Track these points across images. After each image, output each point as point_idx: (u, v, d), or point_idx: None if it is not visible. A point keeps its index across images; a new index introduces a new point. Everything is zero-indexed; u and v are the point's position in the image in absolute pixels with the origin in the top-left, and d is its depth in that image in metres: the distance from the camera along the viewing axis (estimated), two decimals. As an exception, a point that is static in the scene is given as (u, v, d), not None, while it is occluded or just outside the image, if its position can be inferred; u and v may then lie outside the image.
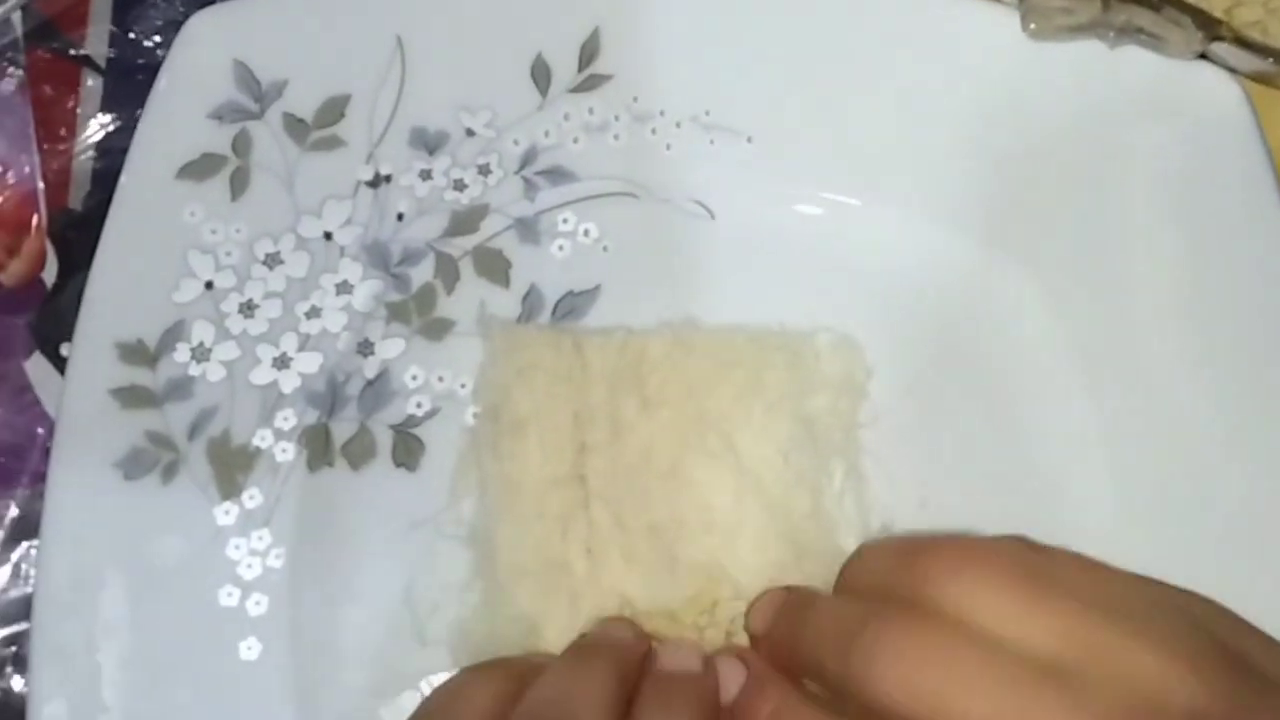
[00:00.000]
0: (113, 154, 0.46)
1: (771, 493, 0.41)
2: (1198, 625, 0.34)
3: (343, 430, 0.43)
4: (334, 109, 0.43)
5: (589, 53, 0.44)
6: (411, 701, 0.41)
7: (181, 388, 0.42)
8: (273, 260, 0.43)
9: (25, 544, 0.45)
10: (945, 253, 0.43)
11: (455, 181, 0.44)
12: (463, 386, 0.43)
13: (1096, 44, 0.43)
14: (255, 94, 0.43)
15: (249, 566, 0.41)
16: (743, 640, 0.40)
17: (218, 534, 0.42)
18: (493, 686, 0.36)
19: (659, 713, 0.36)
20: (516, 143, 0.44)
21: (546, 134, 0.44)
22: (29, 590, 0.44)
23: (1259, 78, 0.43)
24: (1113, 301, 0.43)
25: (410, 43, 0.43)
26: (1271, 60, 0.42)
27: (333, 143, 0.43)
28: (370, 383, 0.43)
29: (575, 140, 0.44)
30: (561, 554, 0.41)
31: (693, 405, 0.42)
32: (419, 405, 0.43)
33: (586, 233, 0.44)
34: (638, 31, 0.44)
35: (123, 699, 0.40)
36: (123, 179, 0.43)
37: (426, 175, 0.44)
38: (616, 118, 0.44)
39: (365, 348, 0.43)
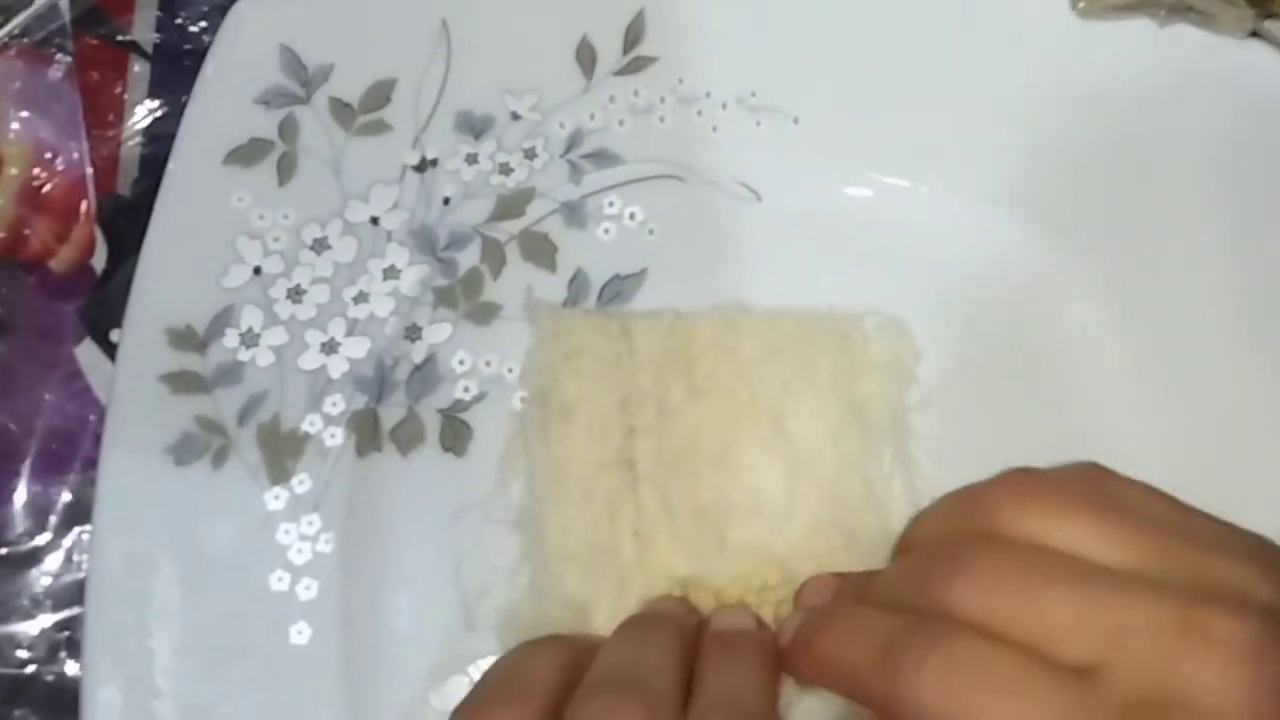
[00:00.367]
0: (161, 140, 0.46)
1: (821, 477, 0.41)
2: (1265, 543, 0.34)
3: (391, 415, 0.43)
4: (380, 93, 0.43)
5: (634, 35, 0.44)
6: (460, 686, 0.41)
7: (231, 373, 0.42)
8: (320, 245, 0.43)
9: (78, 529, 0.45)
10: (994, 233, 0.43)
11: (501, 165, 0.44)
12: (510, 371, 0.43)
13: (1147, 22, 0.42)
14: (301, 79, 0.43)
15: (299, 551, 0.42)
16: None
17: (268, 519, 0.42)
18: (555, 658, 0.36)
19: (724, 666, 0.36)
20: (562, 126, 0.44)
21: (592, 117, 0.44)
22: (82, 575, 0.44)
23: (1313, 55, 0.42)
24: (1163, 283, 0.42)
25: (455, 26, 0.43)
26: (1325, 38, 0.41)
27: (379, 127, 0.43)
28: (418, 367, 0.43)
29: (621, 123, 0.44)
30: (609, 538, 0.41)
31: (742, 389, 0.42)
32: (466, 390, 0.43)
33: (632, 216, 0.44)
34: (683, 13, 0.43)
35: (175, 684, 0.41)
36: (170, 165, 0.43)
37: (472, 159, 0.44)
38: (662, 100, 0.44)
39: (413, 333, 0.43)
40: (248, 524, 0.42)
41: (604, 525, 0.41)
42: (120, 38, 0.47)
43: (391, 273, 0.43)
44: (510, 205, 0.44)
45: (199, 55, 0.43)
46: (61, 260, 0.46)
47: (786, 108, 0.44)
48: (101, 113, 0.47)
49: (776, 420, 0.41)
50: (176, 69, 0.47)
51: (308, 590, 0.41)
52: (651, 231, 0.44)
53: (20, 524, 0.45)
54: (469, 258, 0.44)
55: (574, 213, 0.44)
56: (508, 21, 0.43)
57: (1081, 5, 0.42)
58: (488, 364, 0.43)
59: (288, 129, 0.43)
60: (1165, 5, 0.42)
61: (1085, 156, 0.43)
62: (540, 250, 0.44)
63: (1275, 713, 0.30)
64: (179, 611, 0.41)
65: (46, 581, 0.45)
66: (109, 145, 0.47)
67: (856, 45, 0.43)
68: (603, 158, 0.44)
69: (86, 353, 0.46)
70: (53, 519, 0.45)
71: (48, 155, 0.47)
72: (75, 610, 0.44)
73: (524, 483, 0.42)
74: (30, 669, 0.44)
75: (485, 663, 0.41)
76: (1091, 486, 0.35)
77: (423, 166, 0.44)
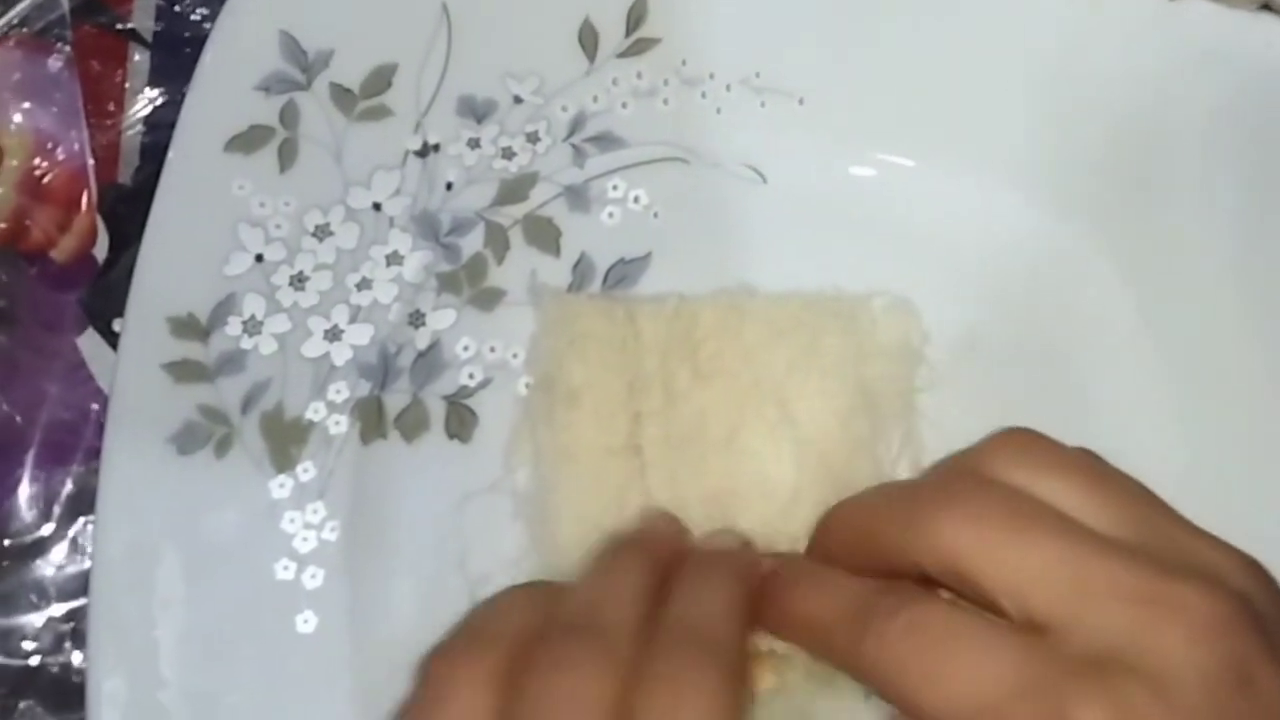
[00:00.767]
0: (161, 128, 0.46)
1: (829, 460, 0.41)
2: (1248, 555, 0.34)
3: (395, 402, 0.43)
4: (381, 78, 0.43)
5: (636, 16, 0.43)
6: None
7: (234, 361, 0.42)
8: (322, 232, 0.43)
9: (82, 519, 0.45)
10: (1001, 212, 0.43)
11: (504, 150, 0.43)
12: (515, 357, 0.43)
13: (1157, -4, 0.42)
14: (302, 65, 0.43)
15: (304, 540, 0.41)
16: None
17: (272, 507, 0.41)
18: (527, 604, 0.36)
19: (692, 591, 0.36)
20: (565, 109, 0.44)
21: (595, 100, 0.44)
22: (86, 566, 0.44)
23: (1324, 28, 0.42)
24: (1174, 259, 0.42)
25: (456, 9, 0.43)
26: (1337, 11, 0.41)
27: (380, 112, 0.43)
28: (422, 354, 0.43)
29: (624, 105, 0.44)
30: (617, 524, 0.41)
31: (747, 373, 0.41)
32: (471, 376, 0.43)
33: (637, 199, 0.44)
34: (686, -6, 0.43)
35: (181, 673, 0.40)
36: (171, 153, 0.42)
37: (475, 144, 0.43)
38: (665, 82, 0.44)
39: (416, 319, 0.43)
40: (252, 513, 0.41)
41: (612, 511, 0.41)
42: (120, 26, 0.47)
43: (394, 259, 0.43)
44: (513, 190, 0.44)
45: (199, 43, 0.43)
46: (63, 250, 0.46)
47: (791, 88, 0.43)
48: (102, 102, 0.47)
49: (783, 404, 0.41)
50: (177, 57, 0.47)
51: (313, 579, 0.41)
52: (656, 215, 0.44)
53: (24, 515, 0.45)
54: (472, 243, 0.43)
55: (578, 196, 0.44)
56: (509, 4, 0.43)
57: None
58: (492, 350, 0.43)
59: (288, 115, 0.43)
60: (1175, -22, 0.41)
61: (1094, 135, 0.42)
62: (544, 235, 0.43)
63: (1232, 692, 0.30)
64: (184, 601, 0.41)
65: (51, 572, 0.44)
66: (110, 134, 0.47)
67: (861, 25, 0.43)
68: (606, 141, 0.44)
69: (89, 342, 0.46)
70: (56, 510, 0.45)
71: (48, 145, 0.46)
72: (80, 601, 0.44)
73: (530, 469, 0.42)
74: (36, 660, 0.44)
75: (493, 650, 0.41)
76: (1088, 459, 0.35)
77: (425, 151, 0.43)
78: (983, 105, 0.43)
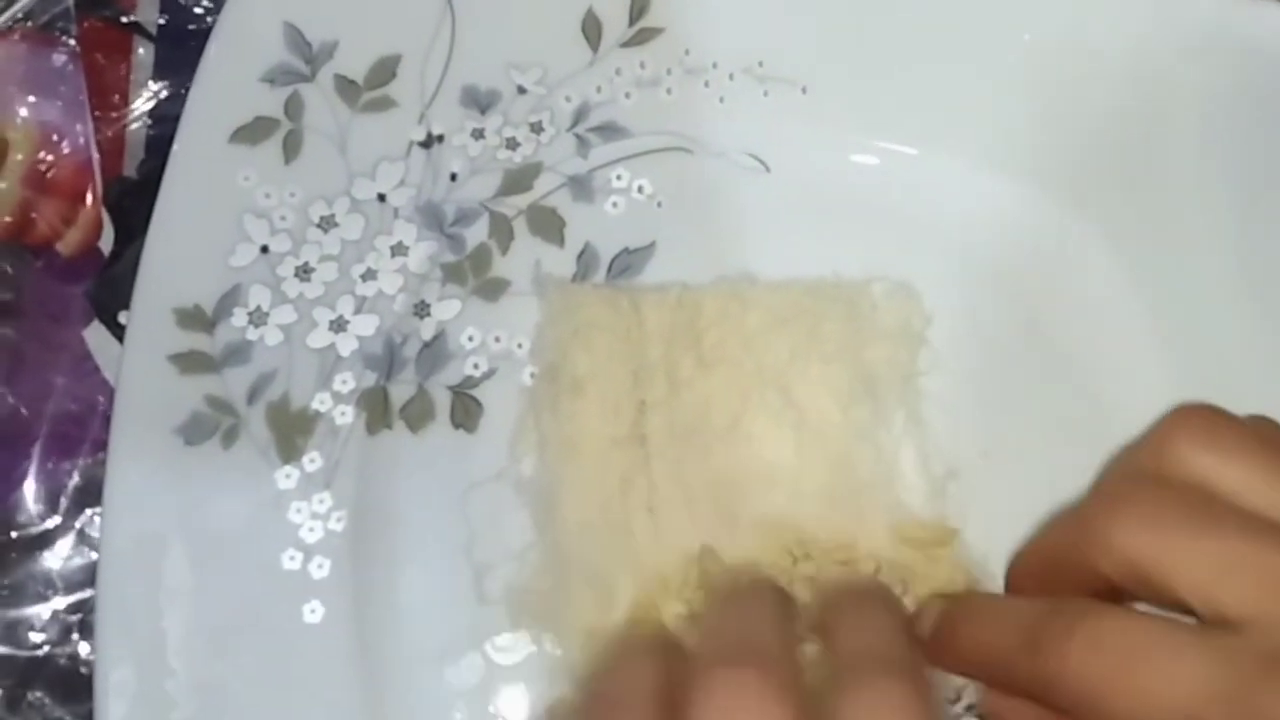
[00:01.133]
0: (166, 121, 0.46)
1: (832, 446, 0.41)
2: None
3: (401, 392, 0.43)
4: (385, 69, 0.43)
5: (639, 6, 0.43)
6: (475, 663, 0.41)
7: (240, 352, 0.42)
8: (327, 223, 0.43)
9: (89, 511, 0.45)
10: (1003, 198, 0.43)
11: (508, 140, 0.44)
12: (520, 347, 0.43)
13: (1157, -18, 0.42)
14: (306, 56, 0.43)
15: (311, 530, 0.41)
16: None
17: (279, 498, 0.41)
18: (648, 655, 0.35)
19: (856, 612, 0.35)
20: (568, 99, 0.44)
21: (598, 90, 0.44)
22: (93, 557, 0.44)
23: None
24: (1172, 245, 0.42)
25: (459, 0, 0.43)
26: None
27: (384, 103, 0.43)
28: (427, 344, 0.43)
29: (627, 95, 0.44)
30: (622, 513, 0.41)
31: (750, 360, 0.41)
32: (476, 366, 0.43)
33: (640, 189, 0.44)
34: (689, -16, 0.43)
35: (189, 664, 0.40)
36: (176, 145, 0.42)
37: (479, 134, 0.43)
38: (668, 71, 0.44)
39: (421, 309, 0.43)
40: (259, 503, 0.41)
41: (617, 501, 0.41)
42: (124, 19, 0.47)
43: (399, 250, 0.43)
44: (517, 180, 0.44)
45: (203, 35, 0.43)
46: (68, 243, 0.46)
47: (794, 77, 0.43)
48: (106, 95, 0.47)
49: (785, 390, 0.41)
50: (181, 49, 0.47)
51: (320, 569, 0.41)
52: (660, 204, 0.44)
53: (31, 507, 0.45)
54: (477, 233, 0.43)
55: (582, 186, 0.44)
56: (512, -6, 0.43)
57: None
58: (497, 340, 0.43)
59: (293, 107, 0.43)
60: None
61: (1094, 121, 0.43)
62: (548, 225, 0.44)
63: None
64: (191, 592, 0.41)
65: (58, 564, 0.44)
66: (114, 127, 0.47)
67: (864, 14, 0.43)
68: (610, 131, 0.44)
69: (95, 335, 0.46)
70: (63, 501, 0.45)
71: (53, 138, 0.46)
72: (88, 592, 0.44)
73: (535, 459, 0.42)
74: (44, 651, 0.44)
75: (500, 640, 0.41)
76: (1270, 429, 0.34)
77: (429, 142, 0.43)
78: (984, 93, 0.43)
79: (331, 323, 0.43)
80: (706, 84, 0.44)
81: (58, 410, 0.45)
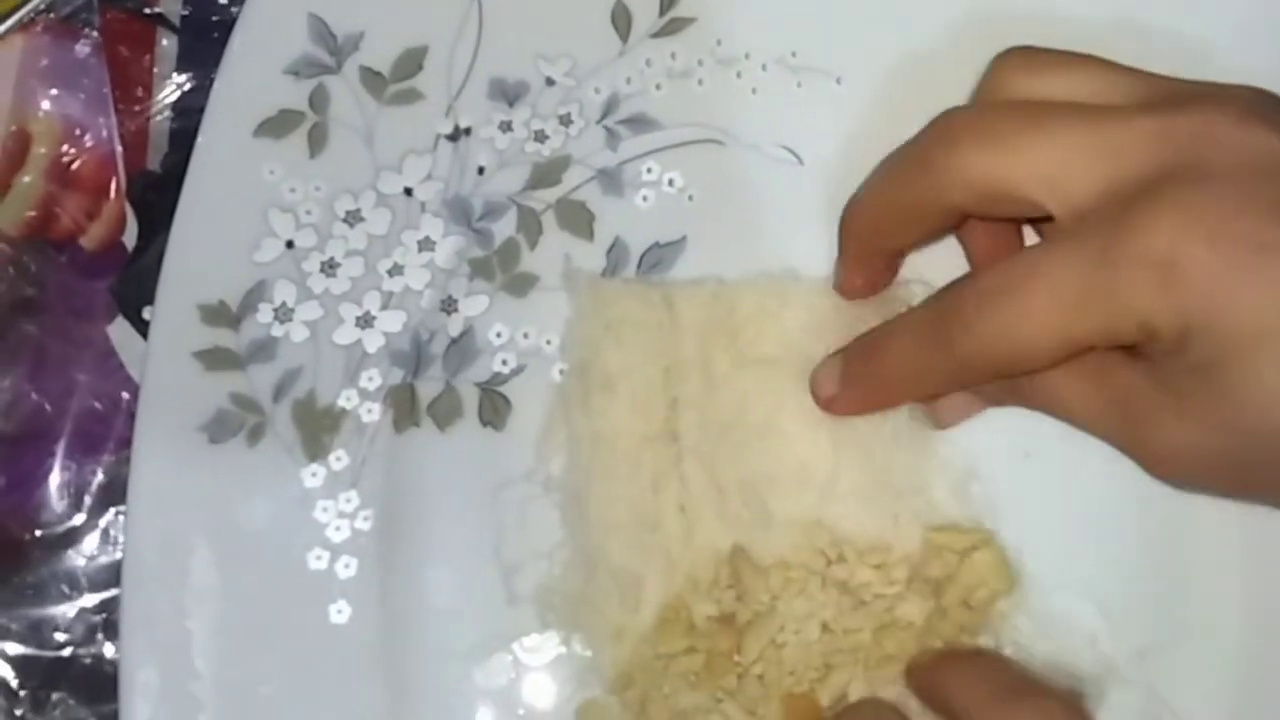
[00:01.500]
0: (190, 113, 0.46)
1: (867, 446, 0.40)
2: None
3: (428, 389, 0.42)
4: (411, 61, 0.43)
5: (670, -4, 0.43)
6: (503, 663, 0.41)
7: (265, 349, 0.42)
8: (353, 218, 0.42)
9: (113, 510, 0.45)
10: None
11: (536, 133, 0.43)
12: (549, 343, 0.43)
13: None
14: (331, 48, 0.43)
15: (337, 529, 0.41)
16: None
17: (305, 496, 0.41)
18: None
19: None
20: (598, 91, 0.43)
21: (628, 81, 0.43)
22: (118, 557, 0.44)
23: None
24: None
25: (487, -9, 0.43)
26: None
27: (411, 96, 0.43)
28: (454, 341, 0.42)
29: (658, 87, 0.43)
30: (654, 512, 0.41)
31: (787, 358, 0.41)
32: (504, 363, 0.42)
33: (671, 182, 0.43)
34: (720, -28, 0.43)
35: (213, 665, 0.40)
36: (200, 139, 0.42)
37: (507, 127, 0.43)
38: (700, 62, 0.43)
39: (449, 305, 0.42)
40: (285, 502, 0.41)
41: (648, 499, 0.41)
42: (147, 11, 0.47)
43: (426, 244, 0.43)
44: (546, 173, 0.43)
45: (227, 27, 0.43)
46: (92, 238, 0.46)
47: (828, 68, 0.43)
48: (130, 87, 0.46)
49: (822, 389, 0.41)
50: (204, 41, 0.46)
51: (347, 568, 0.41)
52: (691, 198, 0.43)
53: (55, 506, 0.45)
54: (505, 228, 0.43)
55: (611, 180, 0.43)
56: (541, -16, 0.43)
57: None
58: (526, 336, 0.43)
59: (318, 99, 0.43)
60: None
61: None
62: (577, 219, 0.43)
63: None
64: (216, 591, 0.40)
65: (82, 563, 0.44)
66: (138, 120, 0.46)
67: (898, 2, 0.43)
68: (640, 123, 0.43)
69: (119, 331, 0.45)
70: (87, 500, 0.45)
71: (76, 132, 0.46)
72: (112, 592, 0.44)
73: (564, 457, 0.42)
74: (68, 651, 0.44)
75: (529, 640, 0.41)
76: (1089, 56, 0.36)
77: (456, 135, 0.43)
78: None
79: (358, 319, 0.42)
80: (739, 75, 0.43)
81: (81, 407, 0.45)
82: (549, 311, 0.43)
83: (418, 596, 0.41)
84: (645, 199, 0.43)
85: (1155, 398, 0.33)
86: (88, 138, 0.46)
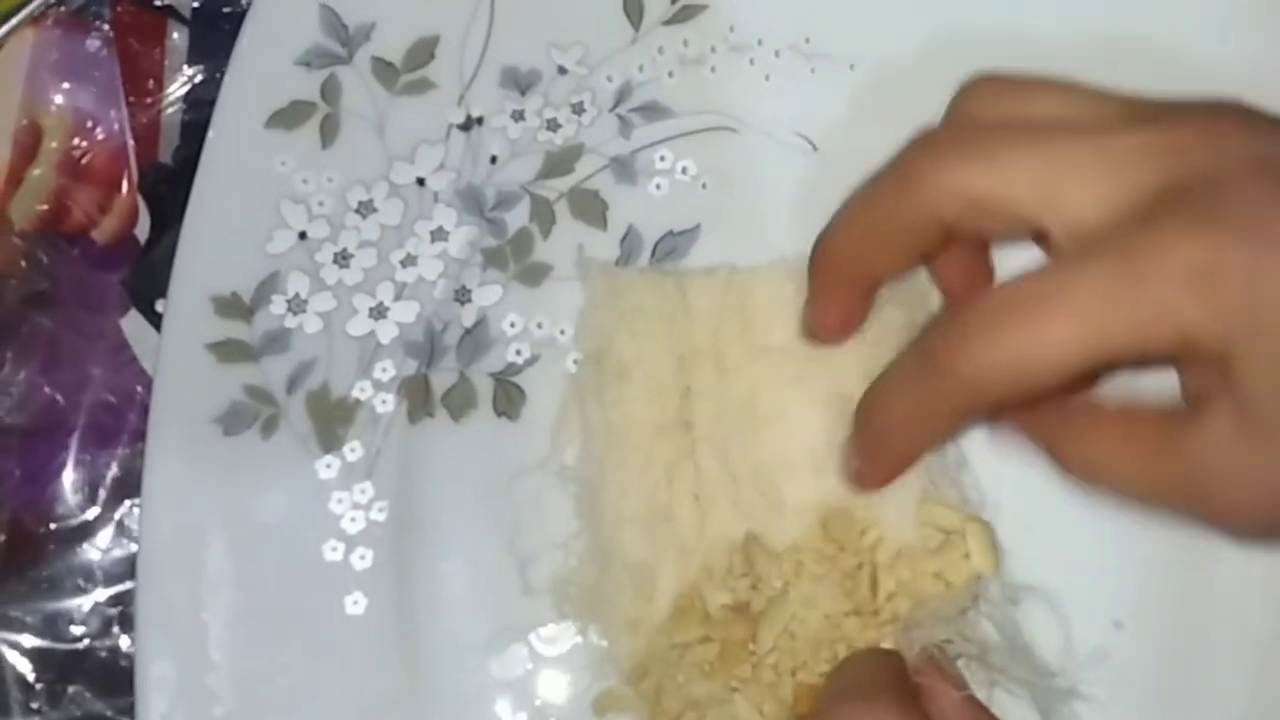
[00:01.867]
0: (202, 105, 0.46)
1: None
2: None
3: (442, 380, 0.42)
4: (423, 51, 0.43)
5: (682, -18, 0.43)
6: (519, 654, 0.41)
7: (278, 340, 0.42)
8: (366, 208, 0.42)
9: (128, 502, 0.45)
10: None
11: (548, 121, 0.43)
12: (562, 333, 0.42)
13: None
14: (342, 38, 0.42)
15: (352, 520, 0.41)
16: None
17: (320, 488, 0.41)
18: None
19: None
20: (610, 79, 0.43)
21: (640, 69, 0.43)
22: (133, 549, 0.44)
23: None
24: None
25: (498, -21, 0.43)
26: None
27: (423, 86, 0.43)
28: (468, 331, 0.42)
29: (670, 74, 0.43)
30: (668, 501, 0.40)
31: (801, 346, 0.40)
32: (518, 353, 0.42)
33: (685, 170, 0.43)
34: (732, -42, 0.43)
35: (230, 657, 0.40)
36: (212, 131, 0.42)
37: (519, 116, 0.43)
38: (713, 49, 0.43)
39: (462, 295, 0.42)
40: (299, 493, 0.41)
41: (662, 489, 0.40)
42: (158, 3, 0.47)
43: (439, 235, 0.42)
44: (559, 162, 0.43)
45: (237, 18, 0.43)
46: (104, 231, 0.46)
47: (842, 54, 0.43)
48: (141, 80, 0.47)
49: (837, 377, 0.40)
50: (215, 33, 0.46)
51: (362, 560, 0.41)
52: (704, 186, 0.43)
53: (70, 499, 0.45)
54: (518, 217, 0.43)
55: (624, 168, 0.43)
56: (551, -28, 0.43)
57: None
58: (540, 326, 0.42)
59: (330, 90, 0.42)
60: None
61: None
62: (591, 208, 0.43)
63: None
64: (232, 584, 0.40)
65: (97, 556, 0.44)
66: (149, 113, 0.46)
67: (912, -13, 0.42)
68: (653, 111, 0.43)
69: (132, 324, 0.46)
70: (102, 493, 0.45)
71: (88, 125, 0.46)
72: (128, 585, 0.44)
73: (579, 446, 0.42)
74: (83, 644, 0.44)
75: (545, 630, 0.41)
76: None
77: (468, 125, 0.43)
78: (1037, 72, 0.42)
79: (371, 310, 0.42)
80: (752, 61, 0.43)
81: (95, 400, 0.45)
82: (563, 301, 0.43)
83: (433, 587, 0.41)
84: (658, 187, 0.43)
85: (1228, 441, 0.31)
86: (99, 131, 0.46)
